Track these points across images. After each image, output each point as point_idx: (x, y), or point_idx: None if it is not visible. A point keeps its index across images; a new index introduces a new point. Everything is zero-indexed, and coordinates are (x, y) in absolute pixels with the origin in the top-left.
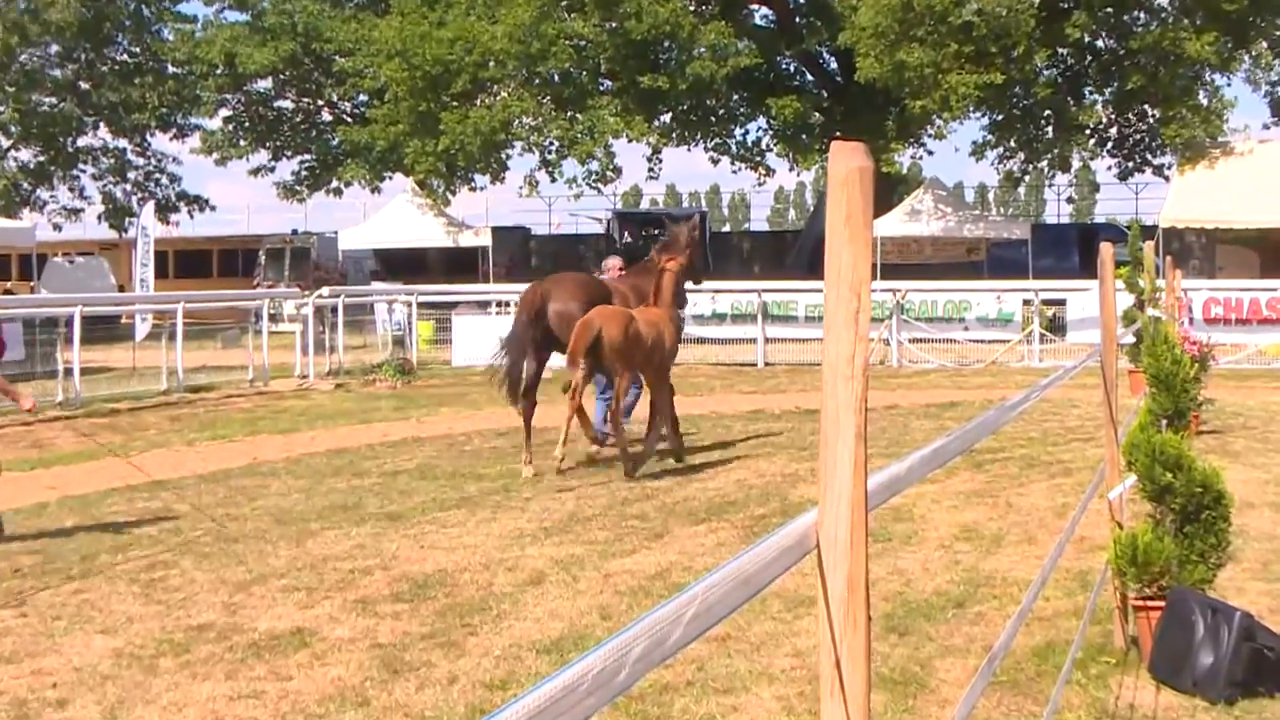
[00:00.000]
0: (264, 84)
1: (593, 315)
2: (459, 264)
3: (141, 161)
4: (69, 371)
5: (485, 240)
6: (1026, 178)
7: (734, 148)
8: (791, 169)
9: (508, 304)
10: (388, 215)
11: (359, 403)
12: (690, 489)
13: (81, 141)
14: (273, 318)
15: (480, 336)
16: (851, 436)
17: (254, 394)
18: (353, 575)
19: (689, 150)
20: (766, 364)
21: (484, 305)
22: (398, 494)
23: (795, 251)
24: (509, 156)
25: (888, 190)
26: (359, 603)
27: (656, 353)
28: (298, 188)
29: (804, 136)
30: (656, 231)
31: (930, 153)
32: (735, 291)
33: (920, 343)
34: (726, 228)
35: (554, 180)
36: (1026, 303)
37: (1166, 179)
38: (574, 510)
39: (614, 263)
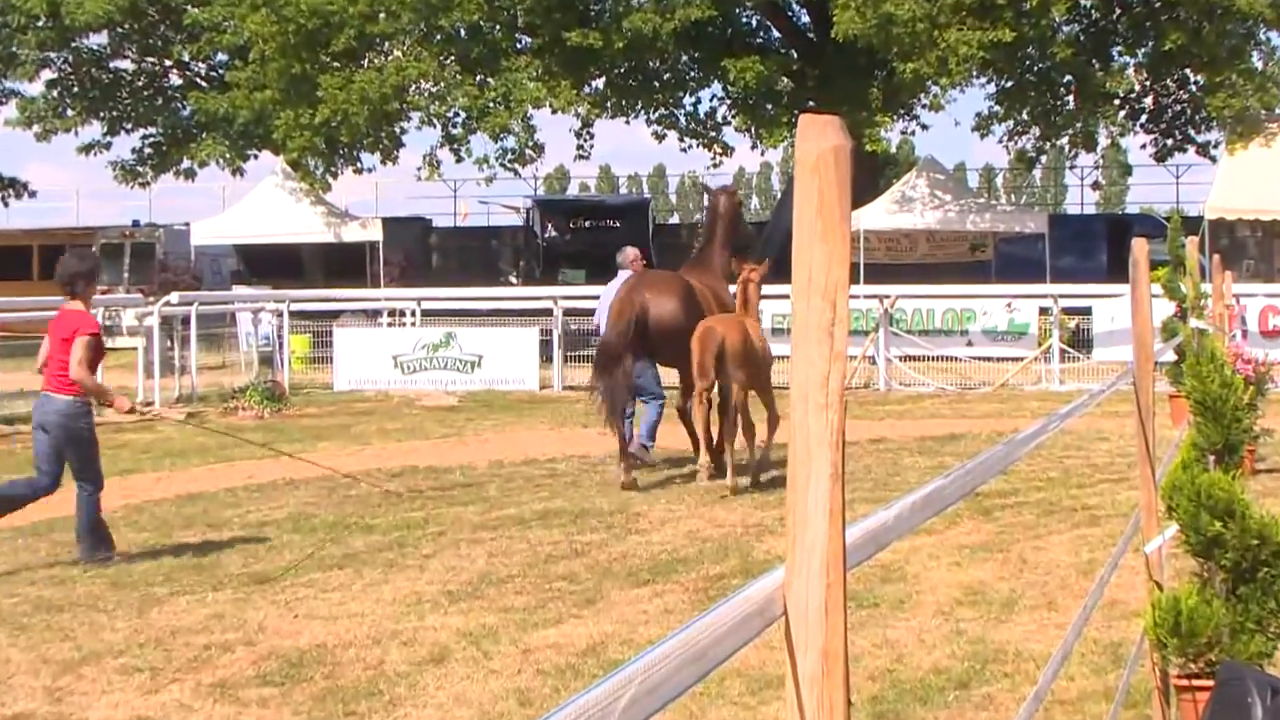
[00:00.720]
0: (97, 39)
1: (713, 323)
2: (342, 264)
3: None
4: None
5: (374, 234)
6: (1043, 158)
7: (683, 120)
8: (754, 146)
9: (403, 313)
10: (253, 203)
11: (216, 437)
12: (630, 542)
13: None
14: (109, 330)
15: (369, 353)
16: (826, 477)
17: None
18: (209, 652)
19: (627, 123)
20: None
21: (373, 315)
22: (265, 550)
23: (760, 248)
24: (404, 131)
25: (872, 173)
26: (217, 686)
27: (766, 365)
28: (140, 169)
29: (769, 107)
30: (587, 223)
31: (925, 127)
32: None
33: (914, 361)
34: (674, 219)
35: (460, 160)
36: (1044, 311)
37: (1213, 160)
38: (486, 569)
39: (633, 253)
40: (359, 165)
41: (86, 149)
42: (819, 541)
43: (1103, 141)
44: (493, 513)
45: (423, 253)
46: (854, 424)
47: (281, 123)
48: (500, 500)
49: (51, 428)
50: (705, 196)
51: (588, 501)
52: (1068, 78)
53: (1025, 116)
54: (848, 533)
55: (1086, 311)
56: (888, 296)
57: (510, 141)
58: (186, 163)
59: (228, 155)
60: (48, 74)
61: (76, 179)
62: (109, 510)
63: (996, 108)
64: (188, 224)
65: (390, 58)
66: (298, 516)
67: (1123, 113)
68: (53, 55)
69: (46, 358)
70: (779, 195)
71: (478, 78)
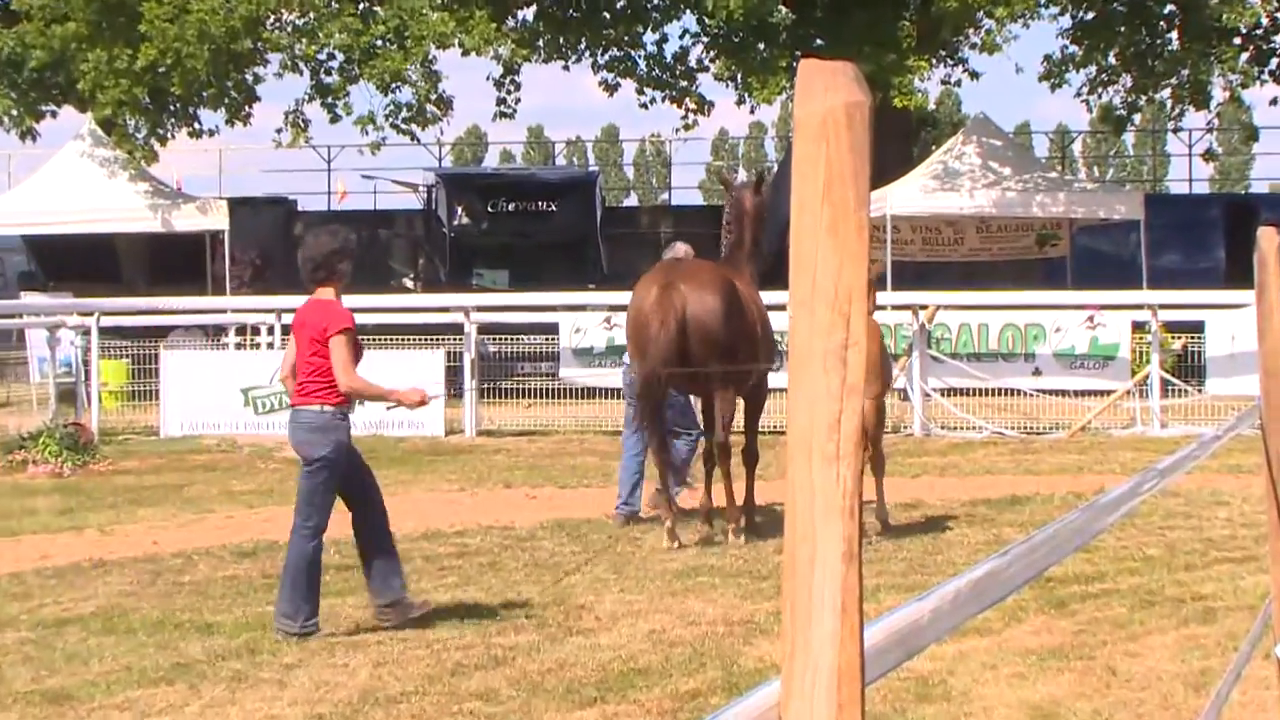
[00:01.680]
0: None
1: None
2: (173, 262)
3: None
4: None
5: (218, 221)
6: (1136, 118)
7: (643, 66)
8: (740, 102)
9: (257, 330)
10: (50, 178)
11: None
12: (570, 646)
13: None
14: None
15: (210, 386)
16: (837, 557)
17: None
18: None
19: (566, 69)
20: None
21: (216, 333)
22: (65, 659)
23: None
24: (259, 80)
25: (903, 139)
26: None
27: (887, 378)
28: None
29: (760, 47)
30: (512, 206)
31: (975, 75)
32: None
33: (960, 396)
34: (631, 199)
35: (336, 121)
36: (1139, 327)
37: None
38: (370, 684)
39: (683, 249)
40: (197, 127)
41: None
42: (827, 646)
43: (1218, 95)
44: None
45: (285, 247)
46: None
47: (90, 67)
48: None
49: (302, 444)
50: (728, 194)
51: (512, 590)
52: (1169, 7)
53: (1112, 60)
54: (868, 634)
55: (1198, 328)
56: (924, 307)
57: (406, 94)
58: None
59: (15, 112)
60: None
61: None
62: None
63: (1073, 49)
64: None
65: None
66: (110, 612)
67: (1245, 55)
68: None
69: (293, 365)
70: (773, 169)
71: (360, 5)
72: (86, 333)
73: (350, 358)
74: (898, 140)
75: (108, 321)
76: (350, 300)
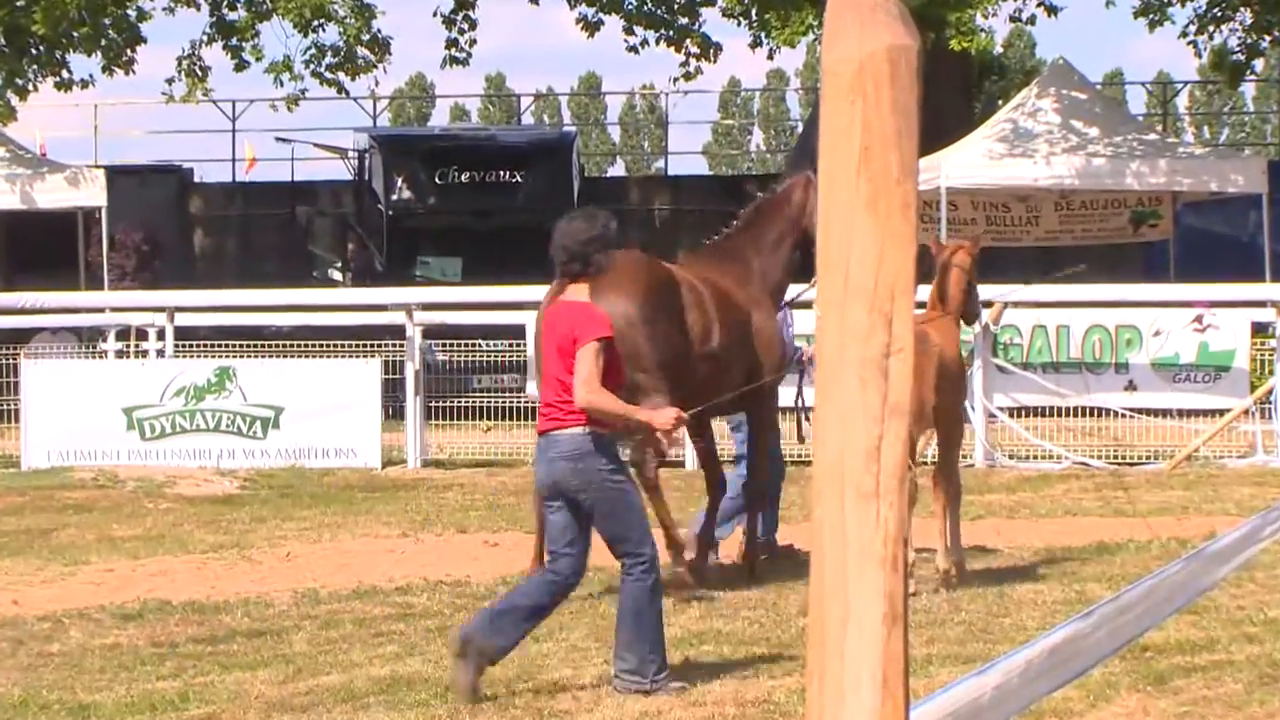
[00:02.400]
0: None
1: (926, 328)
2: (37, 247)
3: None
4: None
5: (94, 196)
6: (1257, 65)
7: (632, 0)
8: (755, 45)
9: (143, 333)
10: None
11: None
12: None
13: None
14: None
15: (85, 404)
16: (876, 619)
17: None
18: None
19: (534, 3)
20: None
21: (91, 336)
22: None
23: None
24: (143, 16)
25: (962, 90)
26: None
27: (962, 392)
28: None
29: None
30: (466, 176)
31: (1053, 11)
32: None
33: (1035, 418)
34: (618, 167)
35: (242, 69)
36: (1260, 330)
37: None
38: None
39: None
40: (65, 76)
41: None
42: None
43: None
44: (301, 681)
45: (177, 227)
46: (927, 525)
47: None
48: (315, 661)
49: (562, 479)
50: (781, 181)
51: None
52: None
53: None
54: (915, 716)
55: None
56: (988, 305)
57: (331, 34)
58: None
59: None
60: None
61: None
62: None
63: None
64: None
65: None
66: None
67: None
68: None
69: (541, 380)
70: (797, 131)
71: None
72: None
73: (597, 372)
74: (954, 93)
75: None
76: (259, 296)
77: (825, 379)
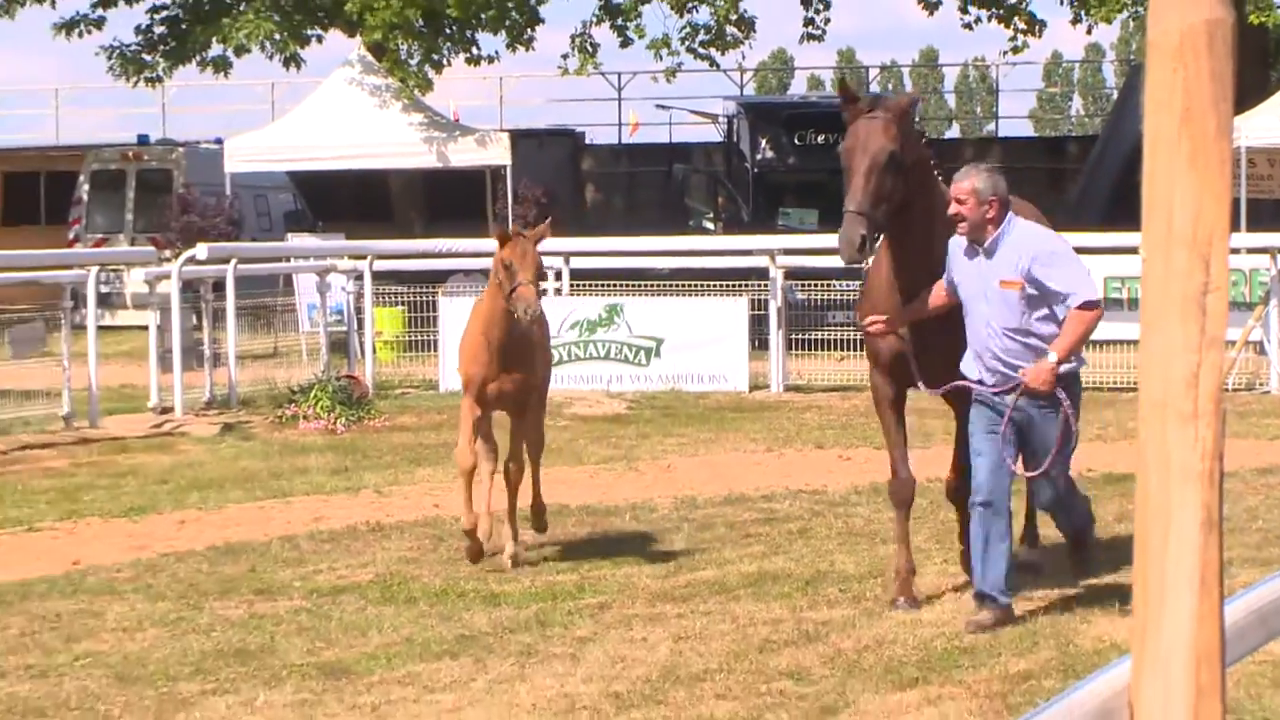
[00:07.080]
0: None
1: None
2: (451, 201)
3: None
4: None
5: (499, 156)
6: None
7: None
8: (1077, 21)
9: (546, 274)
10: (316, 110)
11: (267, 459)
12: (889, 622)
13: None
14: (105, 300)
15: None
16: (1194, 527)
17: (73, 442)
18: None
19: None
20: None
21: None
22: (341, 630)
23: (1087, 177)
24: (542, 0)
25: (1261, 59)
26: None
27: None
28: (147, 58)
29: None
30: (822, 138)
31: None
32: None
33: None
34: (953, 130)
35: (626, 45)
36: None
37: None
38: (671, 661)
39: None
40: (475, 53)
41: (67, 28)
42: (1184, 625)
43: None
44: (680, 576)
45: (571, 184)
46: (1234, 445)
47: None
48: (692, 557)
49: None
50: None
51: (824, 560)
52: None
53: None
54: (1227, 612)
55: None
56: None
57: (703, 15)
58: (217, 48)
59: (278, 37)
60: None
61: (51, 75)
62: (109, 569)
63: None
64: (220, 141)
65: None
66: (389, 579)
67: None
68: None
69: None
70: (1113, 97)
71: None
72: (359, 278)
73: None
74: (1255, 62)
75: (381, 266)
76: (642, 243)
77: (1150, 315)
